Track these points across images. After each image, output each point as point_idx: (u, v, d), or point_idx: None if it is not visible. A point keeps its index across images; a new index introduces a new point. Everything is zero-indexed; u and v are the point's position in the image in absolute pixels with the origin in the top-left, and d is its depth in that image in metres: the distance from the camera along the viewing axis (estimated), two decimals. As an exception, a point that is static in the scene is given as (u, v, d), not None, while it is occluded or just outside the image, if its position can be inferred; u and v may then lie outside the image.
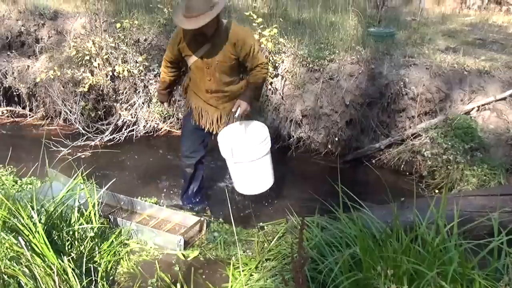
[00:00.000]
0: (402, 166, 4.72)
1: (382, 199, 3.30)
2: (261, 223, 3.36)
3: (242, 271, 2.74)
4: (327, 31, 5.56)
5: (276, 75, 5.16)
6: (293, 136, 5.19)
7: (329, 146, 5.08)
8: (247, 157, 3.23)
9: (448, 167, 4.26)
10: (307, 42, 5.29)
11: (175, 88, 3.85)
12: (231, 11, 6.23)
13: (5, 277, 2.34)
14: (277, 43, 5.16)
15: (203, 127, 3.51)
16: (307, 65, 5.06)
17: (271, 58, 5.09)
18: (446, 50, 5.33)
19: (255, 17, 5.04)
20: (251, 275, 2.71)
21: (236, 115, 3.29)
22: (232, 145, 3.25)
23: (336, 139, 4.98)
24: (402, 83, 4.76)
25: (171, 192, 4.15)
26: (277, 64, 5.14)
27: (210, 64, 3.22)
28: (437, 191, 4.27)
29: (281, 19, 5.72)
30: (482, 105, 4.58)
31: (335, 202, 2.71)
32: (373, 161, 4.88)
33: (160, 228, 3.29)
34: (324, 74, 4.99)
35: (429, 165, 4.45)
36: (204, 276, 2.87)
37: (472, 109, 4.60)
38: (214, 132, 3.50)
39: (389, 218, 2.87)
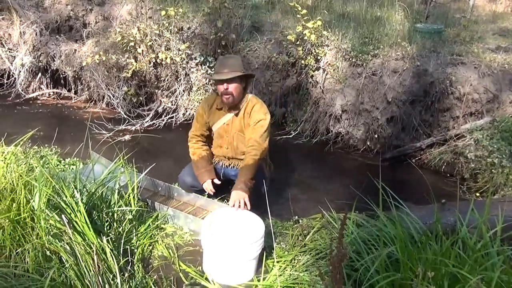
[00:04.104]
0: (443, 167, 4.58)
1: (420, 199, 3.23)
2: (296, 217, 3.34)
3: (277, 262, 2.74)
4: (372, 26, 5.45)
5: (318, 68, 5.11)
6: (331, 131, 5.13)
7: (368, 143, 4.99)
8: (234, 255, 2.60)
9: (492, 170, 4.10)
10: (351, 36, 5.21)
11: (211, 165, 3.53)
12: (275, 2, 6.20)
13: (48, 252, 2.43)
14: (320, 35, 5.10)
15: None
16: (350, 59, 4.98)
17: (313, 51, 5.04)
18: (497, 49, 5.13)
19: (299, 8, 4.99)
20: (285, 267, 2.71)
21: (236, 209, 2.89)
22: (219, 234, 2.75)
23: (376, 136, 4.88)
24: (448, 82, 4.61)
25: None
26: (319, 57, 5.09)
27: (229, 132, 3.37)
28: (478, 194, 4.13)
29: (325, 11, 5.65)
30: (533, 108, 4.39)
31: (372, 200, 2.66)
32: (413, 160, 4.77)
33: (196, 216, 3.32)
34: (367, 69, 4.90)
35: (472, 168, 4.30)
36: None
37: (522, 112, 4.42)
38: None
39: (429, 219, 2.81)
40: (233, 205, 2.89)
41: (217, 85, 3.26)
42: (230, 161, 3.49)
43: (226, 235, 2.74)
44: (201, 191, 3.43)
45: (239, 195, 2.92)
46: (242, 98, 3.31)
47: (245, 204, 2.90)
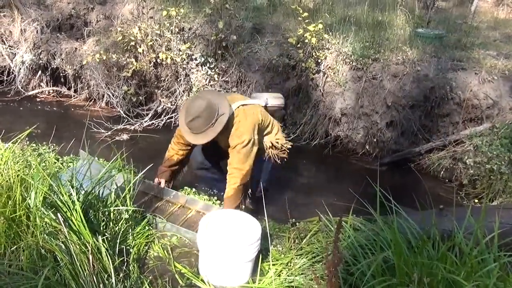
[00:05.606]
0: (442, 172, 4.59)
1: (418, 204, 3.21)
2: (293, 220, 3.32)
3: (273, 265, 2.73)
4: (373, 30, 5.45)
5: (318, 71, 5.11)
6: (330, 134, 5.13)
7: (367, 147, 4.99)
8: (231, 256, 2.59)
9: (491, 177, 4.10)
10: (352, 40, 5.21)
11: (177, 170, 3.68)
12: (276, 5, 6.19)
13: (43, 251, 2.41)
14: (321, 39, 5.10)
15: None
16: (351, 63, 4.98)
17: (314, 54, 5.04)
18: (498, 55, 5.13)
19: (301, 11, 4.99)
20: (281, 270, 2.69)
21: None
22: (216, 235, 2.69)
23: (375, 140, 4.88)
24: (448, 87, 4.61)
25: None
26: (319, 60, 5.09)
27: (220, 147, 3.40)
28: (476, 200, 4.13)
29: (327, 14, 5.65)
30: (533, 115, 4.39)
31: (370, 204, 2.65)
32: (412, 165, 4.77)
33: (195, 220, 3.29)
34: (367, 73, 4.89)
35: (471, 174, 4.30)
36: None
37: (521, 118, 4.42)
38: None
39: (426, 224, 2.79)
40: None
41: None
42: None
43: (222, 236, 2.72)
44: (210, 169, 3.66)
45: None
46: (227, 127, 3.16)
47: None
